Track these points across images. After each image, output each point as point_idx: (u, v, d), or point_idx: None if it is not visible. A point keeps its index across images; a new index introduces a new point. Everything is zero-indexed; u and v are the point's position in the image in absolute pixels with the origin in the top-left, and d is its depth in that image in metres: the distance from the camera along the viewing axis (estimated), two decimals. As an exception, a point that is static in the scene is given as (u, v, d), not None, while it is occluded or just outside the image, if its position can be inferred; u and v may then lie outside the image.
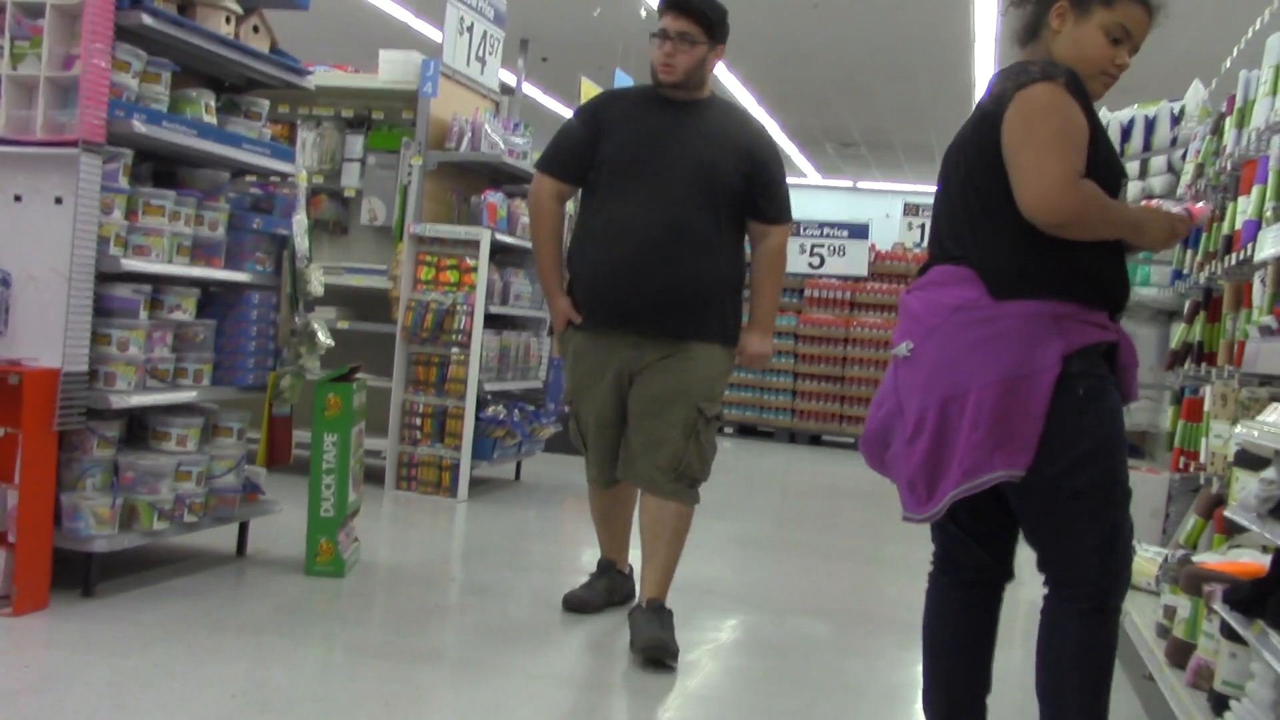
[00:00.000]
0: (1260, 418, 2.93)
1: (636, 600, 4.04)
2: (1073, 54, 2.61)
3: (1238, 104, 4.66)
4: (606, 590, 4.33)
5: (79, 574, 3.82)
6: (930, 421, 2.54)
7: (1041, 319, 2.49)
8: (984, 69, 12.61)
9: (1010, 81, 2.57)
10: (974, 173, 2.61)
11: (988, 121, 2.58)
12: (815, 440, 12.35)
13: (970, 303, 2.54)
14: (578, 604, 4.26)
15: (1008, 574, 2.79)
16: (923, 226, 13.55)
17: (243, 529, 4.64)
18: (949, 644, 2.77)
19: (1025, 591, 5.94)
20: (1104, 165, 2.58)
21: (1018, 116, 2.52)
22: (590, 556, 5.82)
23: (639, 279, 3.81)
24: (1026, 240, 2.52)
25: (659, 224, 3.80)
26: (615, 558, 4.41)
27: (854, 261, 12.14)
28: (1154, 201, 2.82)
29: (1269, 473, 2.72)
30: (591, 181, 3.99)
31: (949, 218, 2.69)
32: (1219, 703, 2.95)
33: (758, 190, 3.95)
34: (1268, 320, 3.67)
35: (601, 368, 3.92)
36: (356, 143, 7.11)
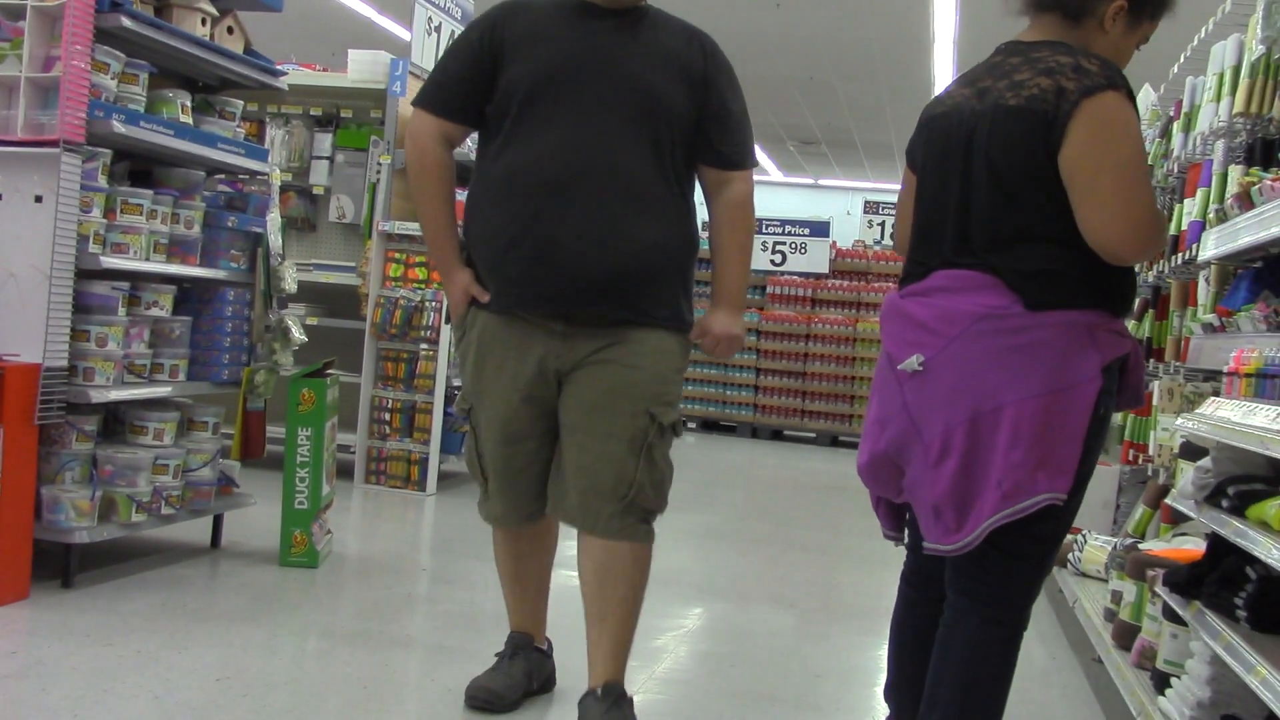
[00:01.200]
0: (1199, 410, 3.08)
1: (588, 688, 3.09)
2: (1114, 55, 2.45)
3: (1184, 109, 4.82)
4: (524, 675, 3.25)
5: (58, 565, 3.90)
6: (958, 441, 2.34)
7: (1076, 329, 2.34)
8: (943, 70, 12.79)
9: (1071, 81, 2.32)
10: (1008, 173, 2.38)
11: (1040, 120, 2.33)
12: (777, 435, 12.49)
13: (998, 311, 2.35)
14: (486, 700, 3.14)
15: None
16: (883, 224, 13.71)
17: (217, 521, 4.72)
18: (917, 652, 2.68)
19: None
20: None
21: (1091, 131, 2.29)
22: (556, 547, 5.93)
23: (561, 245, 2.81)
24: (1063, 247, 2.36)
25: (585, 168, 2.81)
26: (530, 629, 3.34)
27: (815, 259, 12.29)
28: None
29: (1205, 461, 2.86)
30: (492, 119, 2.95)
31: (955, 212, 2.47)
32: (1161, 681, 3.09)
33: (713, 123, 2.98)
34: (1210, 318, 3.83)
35: (517, 361, 2.93)
36: (325, 141, 7.19)
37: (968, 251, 2.43)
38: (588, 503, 2.92)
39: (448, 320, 6.13)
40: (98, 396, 3.88)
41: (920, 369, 2.41)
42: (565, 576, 5.24)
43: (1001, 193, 2.39)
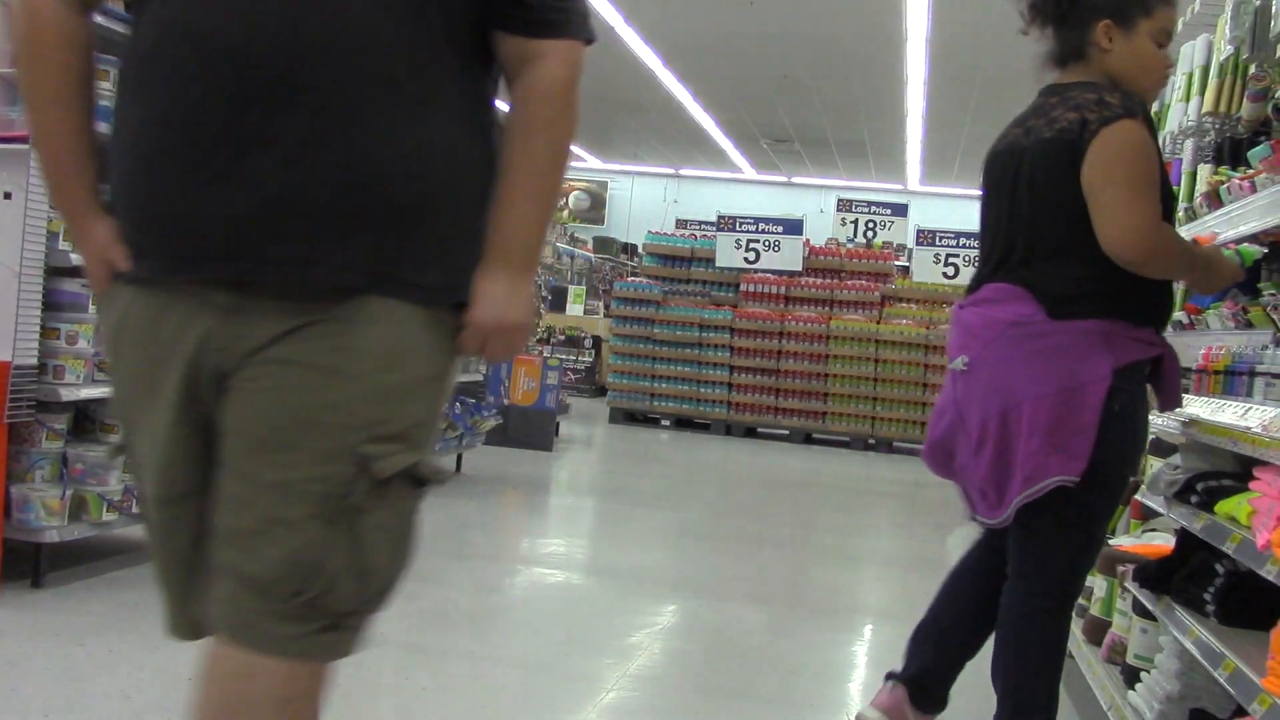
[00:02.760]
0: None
1: None
2: (1133, 68, 2.71)
3: (1154, 108, 4.85)
4: None
5: (28, 565, 3.87)
6: (992, 431, 2.67)
7: (1092, 336, 2.62)
8: (916, 68, 12.84)
9: (1093, 113, 2.60)
10: (1044, 194, 2.69)
11: (1068, 148, 2.63)
12: (750, 432, 12.52)
13: (1025, 319, 2.66)
14: None
15: None
16: (855, 222, 13.76)
17: (189, 520, 4.68)
18: (962, 594, 3.01)
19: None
20: (1165, 195, 2.70)
21: (1104, 153, 2.58)
22: (530, 545, 5.93)
23: (235, 149, 1.56)
24: (1086, 264, 2.63)
25: (289, 28, 1.57)
26: None
27: (789, 257, 12.32)
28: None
29: (1174, 458, 2.89)
30: None
31: (1005, 233, 2.78)
32: (1131, 675, 3.12)
33: None
34: (1179, 315, 3.86)
35: (162, 362, 1.66)
36: (297, 137, 7.14)
37: (1008, 267, 2.75)
38: (236, 595, 1.61)
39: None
40: (68, 395, 3.85)
41: (965, 369, 2.76)
42: (539, 574, 5.25)
43: (1039, 213, 2.71)
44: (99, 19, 3.77)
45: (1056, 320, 2.64)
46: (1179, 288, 4.15)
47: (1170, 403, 2.77)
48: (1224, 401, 2.78)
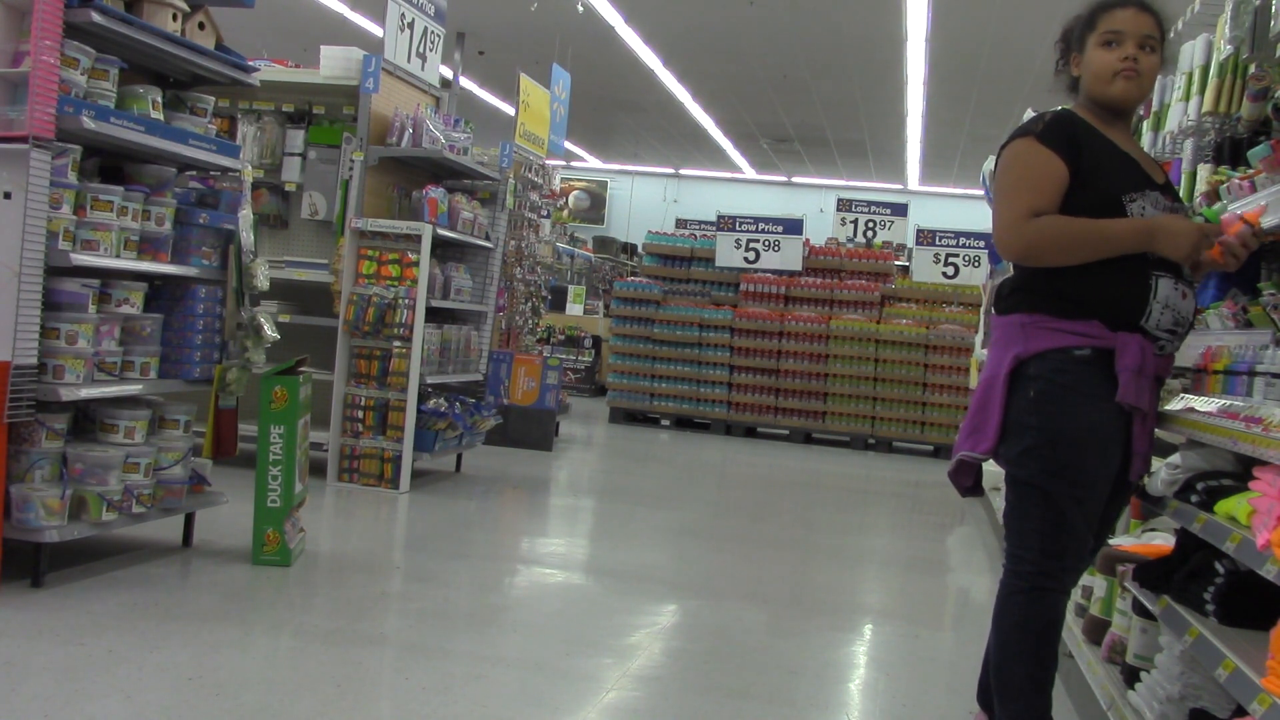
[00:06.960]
0: (1169, 407, 3.10)
1: None
2: (1091, 80, 2.92)
3: (1154, 108, 4.86)
4: None
5: (28, 565, 3.87)
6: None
7: (1013, 327, 2.85)
8: (916, 67, 12.84)
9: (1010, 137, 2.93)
10: None
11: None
12: (750, 432, 12.52)
13: (993, 316, 2.98)
14: None
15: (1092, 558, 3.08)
16: (855, 222, 13.76)
17: (189, 520, 4.69)
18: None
19: (954, 578, 6.13)
20: (1095, 190, 2.77)
21: (997, 169, 2.93)
22: (530, 545, 5.94)
23: None
24: (1018, 266, 2.92)
25: None
26: None
27: (789, 256, 12.32)
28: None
29: (1174, 458, 2.89)
30: None
31: None
32: (1131, 675, 3.12)
33: None
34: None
35: None
36: (297, 137, 7.16)
37: None
38: None
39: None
40: (68, 395, 3.85)
41: None
42: (539, 574, 5.25)
43: None
44: (98, 18, 3.81)
45: (998, 315, 2.93)
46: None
47: (1122, 394, 2.71)
48: (1224, 400, 2.78)
